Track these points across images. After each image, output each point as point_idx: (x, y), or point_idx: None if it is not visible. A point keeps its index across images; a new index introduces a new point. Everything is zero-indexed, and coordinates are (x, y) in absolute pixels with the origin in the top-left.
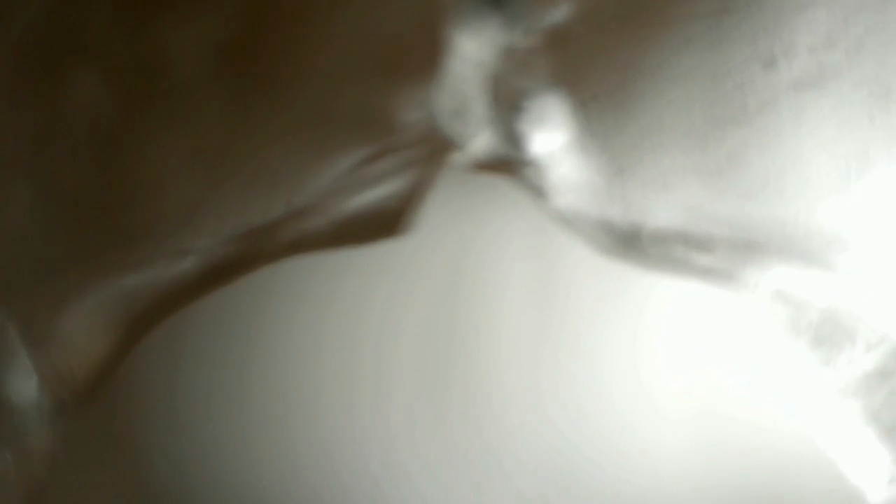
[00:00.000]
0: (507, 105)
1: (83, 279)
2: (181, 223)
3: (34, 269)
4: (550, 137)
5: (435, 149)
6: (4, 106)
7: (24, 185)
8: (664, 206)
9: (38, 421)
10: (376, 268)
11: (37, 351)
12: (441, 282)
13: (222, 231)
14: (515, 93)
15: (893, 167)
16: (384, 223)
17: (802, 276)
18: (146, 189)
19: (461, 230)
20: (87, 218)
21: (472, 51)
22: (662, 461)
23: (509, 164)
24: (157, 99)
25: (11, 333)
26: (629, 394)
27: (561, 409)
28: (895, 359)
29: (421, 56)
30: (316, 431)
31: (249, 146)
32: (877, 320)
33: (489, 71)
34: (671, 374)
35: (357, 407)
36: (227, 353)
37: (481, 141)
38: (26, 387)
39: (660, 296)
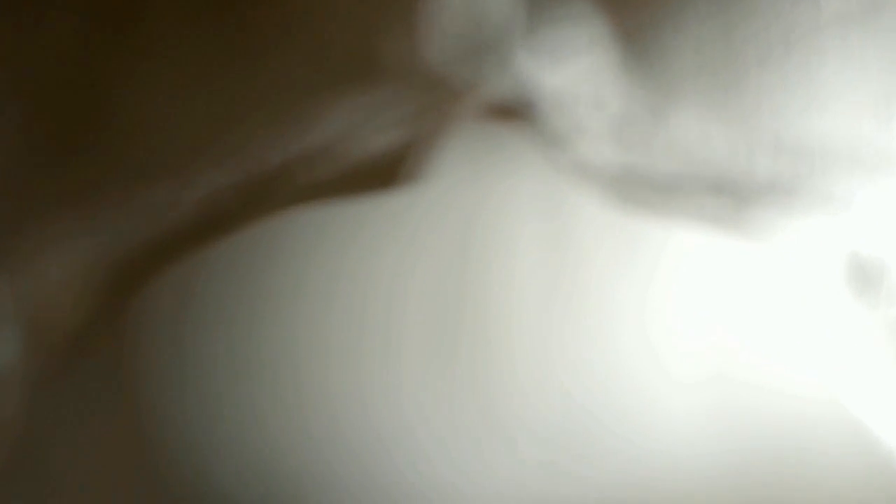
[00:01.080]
0: (520, 44)
1: (72, 223)
2: (178, 167)
3: (20, 211)
4: (564, 81)
5: (444, 94)
6: None
7: (9, 125)
8: (684, 150)
9: (23, 372)
10: (385, 224)
11: (22, 297)
12: (451, 240)
13: (221, 176)
14: (527, 31)
15: None
16: (391, 171)
17: (827, 223)
18: (141, 131)
19: (473, 185)
20: (78, 158)
21: None
22: (674, 425)
23: (520, 110)
24: (154, 40)
25: None
26: (640, 356)
27: (570, 370)
28: None
29: None
30: (323, 390)
31: (250, 92)
32: None
33: (501, 10)
34: (683, 337)
35: (364, 367)
36: (234, 308)
37: (492, 86)
38: (9, 336)
39: (673, 253)
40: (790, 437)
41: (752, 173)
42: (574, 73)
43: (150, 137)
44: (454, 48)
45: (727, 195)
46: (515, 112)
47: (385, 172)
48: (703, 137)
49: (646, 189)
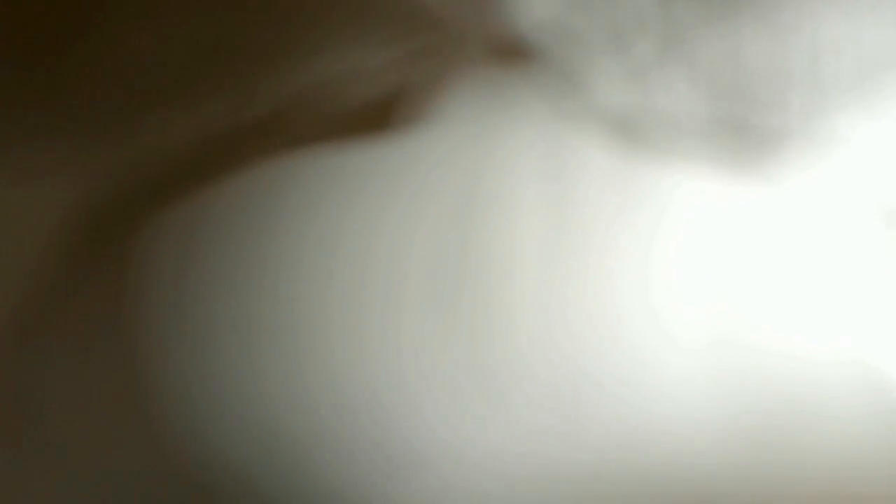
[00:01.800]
0: None
1: (57, 156)
2: (170, 98)
3: (8, 141)
4: (571, 20)
5: (445, 35)
6: None
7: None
8: (693, 91)
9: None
10: (387, 173)
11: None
12: (452, 191)
13: (214, 110)
14: None
15: None
16: (387, 115)
17: (841, 166)
18: (131, 60)
19: (475, 132)
20: (65, 89)
21: None
22: (675, 390)
23: (525, 51)
24: None
25: None
26: (641, 320)
27: (571, 332)
28: None
29: None
30: (322, 344)
31: (245, 24)
32: None
33: None
34: (685, 301)
35: (364, 323)
36: (234, 260)
37: (497, 26)
38: None
39: (679, 206)
40: (795, 402)
41: (764, 113)
42: (582, 12)
43: (140, 67)
44: None
45: (737, 136)
46: (521, 53)
47: (381, 115)
48: (712, 78)
49: (654, 130)
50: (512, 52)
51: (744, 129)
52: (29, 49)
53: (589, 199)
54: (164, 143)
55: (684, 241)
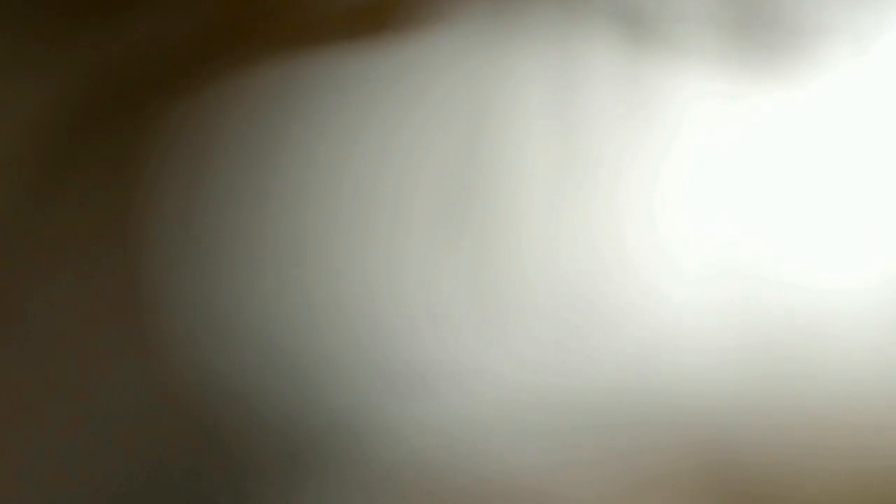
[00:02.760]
0: None
1: (48, 53)
2: None
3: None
4: None
5: None
6: None
7: None
8: None
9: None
10: (391, 84)
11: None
12: (456, 104)
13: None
14: None
15: None
16: (382, 18)
17: (859, 67)
18: None
19: (480, 40)
20: None
21: None
22: (681, 319)
23: None
24: None
25: None
26: (646, 247)
27: (576, 260)
28: None
29: None
30: (327, 263)
31: None
32: None
33: None
34: (691, 228)
35: (369, 244)
36: (239, 174)
37: None
38: None
39: (688, 120)
40: (805, 333)
41: (775, 12)
42: None
43: None
44: None
45: (748, 35)
46: None
47: (377, 18)
48: None
49: (666, 28)
50: None
51: (765, 25)
52: None
53: (598, 110)
54: (160, 36)
55: (696, 160)
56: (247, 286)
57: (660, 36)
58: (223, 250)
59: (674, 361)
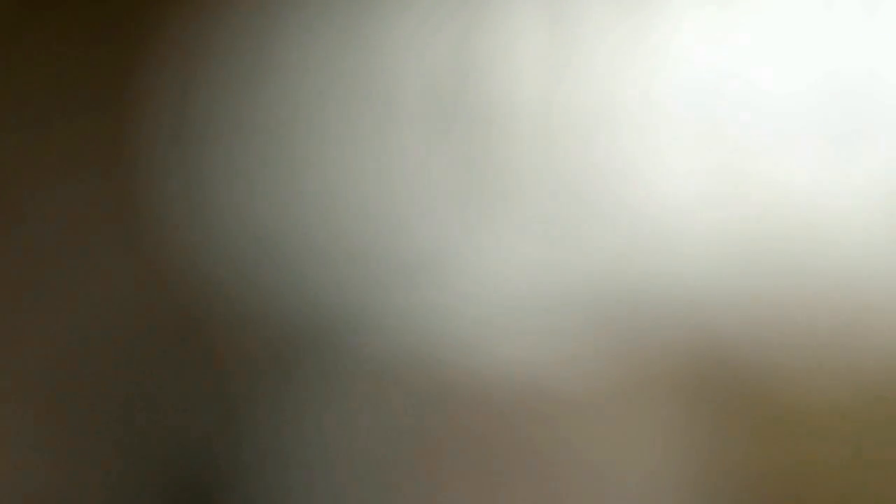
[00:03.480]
0: None
1: None
2: None
3: None
4: None
5: None
6: None
7: None
8: None
9: None
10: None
11: None
12: (453, 7)
13: None
14: None
15: None
16: None
17: None
18: None
19: None
20: None
21: None
22: (671, 214)
23: None
24: None
25: None
26: (638, 142)
27: (568, 155)
28: None
29: None
30: (319, 158)
31: None
32: None
33: None
34: (683, 124)
35: (362, 137)
36: (235, 70)
37: None
38: None
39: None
40: (794, 226)
41: None
42: None
43: None
44: None
45: None
46: None
47: None
48: None
49: None
50: None
51: None
52: None
53: (593, 5)
54: None
55: (689, 59)
56: (236, 178)
57: None
58: (214, 145)
59: (667, 257)
